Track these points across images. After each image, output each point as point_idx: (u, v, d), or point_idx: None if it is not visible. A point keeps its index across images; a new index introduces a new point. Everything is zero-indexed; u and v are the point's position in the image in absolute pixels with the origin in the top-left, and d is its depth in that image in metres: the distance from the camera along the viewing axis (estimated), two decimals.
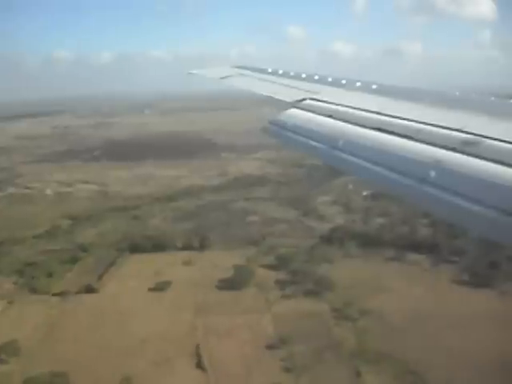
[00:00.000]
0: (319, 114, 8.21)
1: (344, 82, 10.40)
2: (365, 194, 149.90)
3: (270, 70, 13.77)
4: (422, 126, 6.13)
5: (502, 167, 4.49)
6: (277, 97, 10.50)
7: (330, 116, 7.88)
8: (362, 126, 6.96)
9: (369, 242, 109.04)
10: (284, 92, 10.67)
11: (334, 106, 8.32)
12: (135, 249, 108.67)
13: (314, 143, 7.32)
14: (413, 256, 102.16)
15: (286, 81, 11.85)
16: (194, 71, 17.51)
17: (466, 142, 5.16)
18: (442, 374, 65.17)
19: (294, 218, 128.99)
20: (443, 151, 5.25)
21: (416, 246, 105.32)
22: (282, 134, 8.39)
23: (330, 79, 10.95)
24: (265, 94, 11.36)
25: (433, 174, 4.97)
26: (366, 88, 9.31)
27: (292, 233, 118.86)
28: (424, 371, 65.78)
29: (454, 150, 5.16)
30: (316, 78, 11.44)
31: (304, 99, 9.36)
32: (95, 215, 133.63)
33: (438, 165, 5.03)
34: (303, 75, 12.11)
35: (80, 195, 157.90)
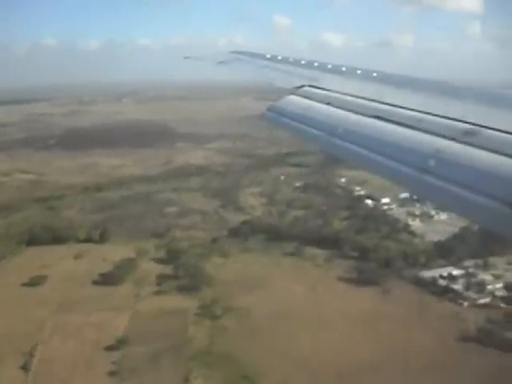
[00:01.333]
0: (318, 101, 8.09)
1: (344, 69, 10.25)
2: (297, 185, 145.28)
3: (268, 56, 13.45)
4: (421, 114, 6.05)
5: (502, 157, 4.47)
6: (275, 83, 10.34)
7: (328, 103, 7.76)
8: (361, 113, 6.85)
9: (276, 236, 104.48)
10: (282, 78, 10.55)
11: (333, 94, 8.19)
12: (34, 241, 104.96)
13: (312, 130, 7.29)
14: (312, 251, 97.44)
15: (284, 67, 11.65)
16: (191, 56, 17.22)
17: (466, 132, 5.14)
18: (275, 379, 60.91)
19: (213, 209, 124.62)
20: (443, 140, 5.22)
21: (320, 241, 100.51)
22: (280, 120, 8.33)
23: (329, 66, 10.72)
24: (263, 79, 11.17)
25: (432, 163, 4.95)
26: (366, 76, 9.24)
27: (203, 225, 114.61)
28: (258, 376, 61.54)
29: (453, 139, 5.14)
30: (315, 64, 11.19)
31: (303, 86, 9.16)
32: (15, 206, 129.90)
33: (437, 154, 5.01)
34: (302, 61, 11.82)
35: (12, 185, 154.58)
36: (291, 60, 12.40)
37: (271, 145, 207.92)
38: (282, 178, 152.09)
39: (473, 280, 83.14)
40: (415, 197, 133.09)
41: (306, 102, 8.24)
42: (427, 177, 4.92)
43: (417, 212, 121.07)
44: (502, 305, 76.68)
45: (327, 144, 6.84)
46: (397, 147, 5.59)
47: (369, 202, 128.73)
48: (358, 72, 9.71)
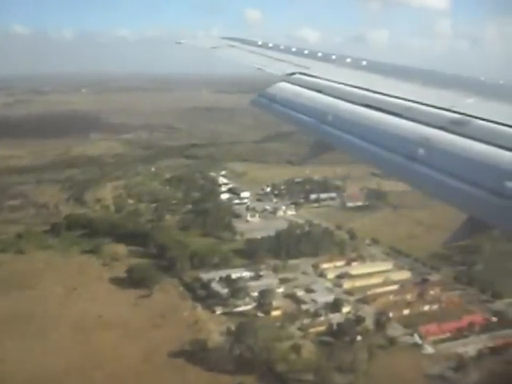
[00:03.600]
0: (309, 88, 8.19)
1: (334, 57, 10.42)
2: (167, 177, 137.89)
3: (260, 43, 13.67)
4: (411, 103, 6.10)
5: (489, 147, 4.54)
6: (266, 70, 10.40)
7: (319, 91, 7.83)
8: (351, 101, 6.91)
9: (93, 232, 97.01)
10: (274, 65, 10.60)
11: (323, 82, 8.27)
12: None
13: (302, 117, 7.43)
14: (115, 248, 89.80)
15: (275, 54, 11.69)
16: (183, 41, 17.06)
17: (455, 122, 5.19)
18: None
19: (56, 202, 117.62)
20: (432, 129, 5.26)
21: (134, 237, 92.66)
22: (271, 106, 8.43)
23: (320, 54, 10.87)
24: (255, 66, 11.08)
25: (421, 151, 5.00)
26: (355, 64, 9.31)
27: (30, 219, 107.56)
28: None
29: (442, 128, 5.19)
30: (306, 52, 11.39)
31: (294, 73, 9.27)
32: None
33: (426, 143, 5.05)
34: (293, 49, 12.05)
35: None
36: (282, 47, 12.42)
37: (185, 136, 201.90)
38: (153, 169, 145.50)
39: (249, 284, 75.41)
40: (276, 192, 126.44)
41: (297, 89, 8.36)
42: (415, 165, 4.95)
43: (267, 207, 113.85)
44: (260, 314, 69.08)
45: (317, 131, 7.04)
46: (386, 135, 5.69)
47: (225, 196, 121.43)
48: (348, 60, 9.78)
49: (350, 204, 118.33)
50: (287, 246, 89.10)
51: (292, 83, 8.64)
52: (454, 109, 5.42)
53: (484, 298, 75.16)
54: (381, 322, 64.51)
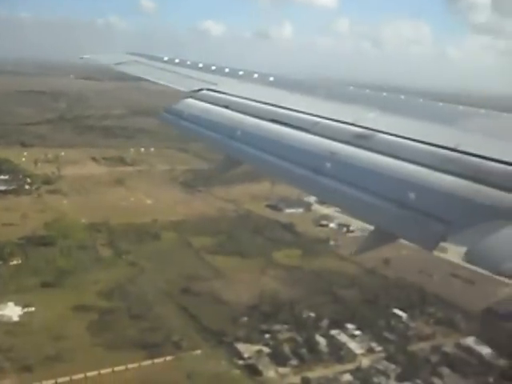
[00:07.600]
0: (216, 104, 8.18)
1: (241, 73, 10.43)
2: None
3: (166, 59, 13.55)
4: (317, 118, 6.14)
5: (392, 160, 4.59)
6: (173, 86, 10.36)
7: (226, 107, 7.83)
8: (258, 117, 6.89)
9: None
10: (180, 82, 10.56)
11: (230, 97, 8.27)
12: None
13: (209, 133, 7.40)
14: None
15: (182, 70, 11.73)
16: (87, 56, 16.88)
17: (359, 136, 5.24)
18: None
19: None
20: (337, 144, 5.28)
21: None
22: (178, 122, 8.38)
23: (227, 70, 10.94)
24: (161, 83, 11.05)
25: (327, 165, 4.98)
26: (262, 80, 9.43)
27: None
28: None
29: (347, 142, 5.23)
30: (213, 68, 11.35)
31: (201, 89, 9.21)
32: None
33: (332, 157, 5.07)
34: (200, 65, 11.94)
35: None
36: (189, 63, 12.40)
37: None
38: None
39: None
40: None
41: (204, 105, 8.28)
42: (322, 178, 4.95)
43: None
44: None
45: (224, 146, 6.92)
46: (293, 150, 5.67)
47: None
48: (255, 76, 9.89)
49: None
50: None
51: (199, 99, 8.58)
52: (358, 123, 5.47)
53: None
54: None
